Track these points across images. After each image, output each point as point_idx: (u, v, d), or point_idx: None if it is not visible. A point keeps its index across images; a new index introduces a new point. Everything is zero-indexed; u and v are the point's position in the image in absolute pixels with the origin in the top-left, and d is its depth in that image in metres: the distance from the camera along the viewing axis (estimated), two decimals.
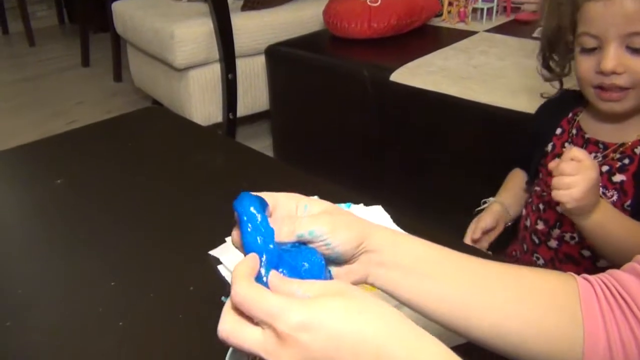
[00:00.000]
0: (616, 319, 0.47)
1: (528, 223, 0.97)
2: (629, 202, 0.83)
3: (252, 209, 0.42)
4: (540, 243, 0.94)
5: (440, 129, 1.56)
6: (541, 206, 0.93)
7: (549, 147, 0.94)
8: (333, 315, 0.36)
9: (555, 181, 0.74)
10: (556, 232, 0.91)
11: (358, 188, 0.88)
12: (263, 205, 0.44)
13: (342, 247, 0.45)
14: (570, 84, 0.97)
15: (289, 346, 0.36)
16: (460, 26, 2.02)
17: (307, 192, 0.50)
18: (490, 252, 0.98)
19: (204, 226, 0.80)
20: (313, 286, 0.39)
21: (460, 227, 1.01)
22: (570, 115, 0.93)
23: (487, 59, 1.66)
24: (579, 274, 0.52)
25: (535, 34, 0.95)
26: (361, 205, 0.80)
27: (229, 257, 0.71)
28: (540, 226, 0.93)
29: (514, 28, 1.95)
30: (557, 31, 0.88)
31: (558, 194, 0.74)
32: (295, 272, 0.41)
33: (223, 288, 0.67)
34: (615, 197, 0.83)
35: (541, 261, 0.95)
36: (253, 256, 0.41)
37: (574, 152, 0.73)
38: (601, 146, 0.87)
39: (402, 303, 0.49)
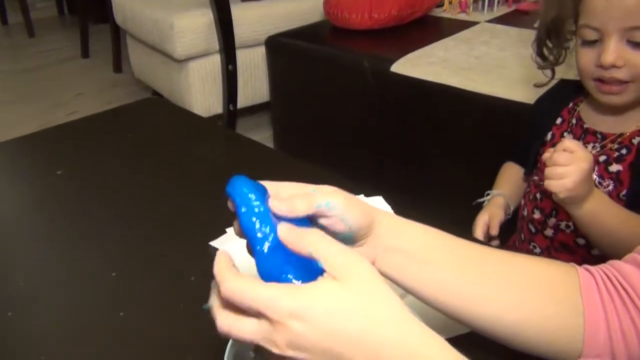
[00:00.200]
0: (617, 309, 0.47)
1: (525, 213, 0.97)
2: (624, 192, 0.83)
3: (244, 189, 0.42)
4: (536, 232, 0.95)
5: (441, 120, 1.56)
6: (538, 195, 0.93)
7: (548, 136, 0.94)
8: (326, 305, 0.36)
9: (548, 171, 0.75)
10: (552, 221, 0.91)
11: (358, 179, 0.88)
12: (261, 190, 0.44)
13: (357, 223, 0.45)
14: (562, 73, 0.97)
15: (283, 332, 0.36)
16: (462, 17, 2.01)
17: (308, 183, 0.50)
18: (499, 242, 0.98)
19: (204, 217, 0.80)
20: (323, 240, 0.39)
21: (461, 218, 1.01)
22: (570, 105, 0.94)
23: (489, 50, 1.66)
24: (574, 262, 0.52)
25: (536, 25, 0.95)
26: (362, 196, 0.80)
27: (229, 247, 0.71)
28: (537, 215, 0.94)
29: (516, 18, 1.94)
30: (556, 20, 0.88)
31: (551, 184, 0.74)
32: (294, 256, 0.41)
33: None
34: (611, 187, 0.84)
35: (537, 250, 0.96)
36: (223, 251, 0.41)
37: (567, 143, 0.74)
38: (599, 136, 0.87)
39: (405, 290, 0.49)
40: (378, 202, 0.79)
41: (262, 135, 2.20)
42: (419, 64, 1.60)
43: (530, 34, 1.01)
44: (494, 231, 0.97)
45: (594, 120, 0.89)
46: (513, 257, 0.52)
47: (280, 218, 0.43)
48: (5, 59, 3.48)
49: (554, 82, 1.01)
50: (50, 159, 0.99)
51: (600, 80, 0.82)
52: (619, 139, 0.85)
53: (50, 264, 0.73)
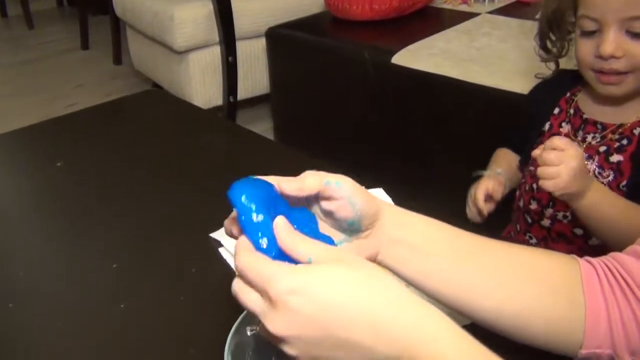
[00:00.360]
0: (618, 300, 0.47)
1: (521, 204, 0.97)
2: (624, 183, 0.83)
3: (243, 198, 0.41)
4: (533, 223, 0.95)
5: (442, 111, 1.56)
6: (534, 186, 0.93)
7: (546, 126, 0.94)
8: (327, 283, 0.37)
9: (540, 171, 0.75)
10: (549, 211, 0.91)
11: (358, 171, 0.88)
12: (263, 187, 0.43)
13: (364, 208, 0.46)
14: (563, 64, 0.97)
15: (280, 310, 0.37)
16: (463, 8, 2.00)
17: None
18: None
19: (204, 209, 0.80)
20: (317, 247, 0.40)
21: (461, 210, 1.01)
22: (568, 95, 0.93)
23: (490, 41, 1.65)
24: (571, 252, 0.52)
25: (537, 16, 0.95)
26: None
27: (230, 239, 0.71)
28: (534, 206, 0.94)
29: (517, 10, 1.93)
30: (557, 12, 0.88)
31: (544, 184, 0.75)
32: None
33: (224, 270, 0.67)
34: (611, 177, 0.84)
35: (534, 240, 0.96)
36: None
37: (556, 142, 0.74)
38: (599, 127, 0.87)
39: (408, 282, 0.49)
40: (379, 194, 0.79)
41: (262, 127, 2.19)
42: (419, 56, 1.59)
43: (531, 25, 1.01)
44: (498, 197, 0.94)
45: (592, 110, 0.89)
46: (515, 249, 0.52)
47: (284, 211, 0.43)
48: (5, 51, 3.46)
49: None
50: (49, 151, 0.99)
51: (600, 71, 0.81)
52: (620, 130, 0.85)
53: (51, 256, 0.73)
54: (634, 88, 0.81)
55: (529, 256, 0.51)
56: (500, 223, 1.06)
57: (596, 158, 0.85)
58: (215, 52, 2.07)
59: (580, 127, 0.89)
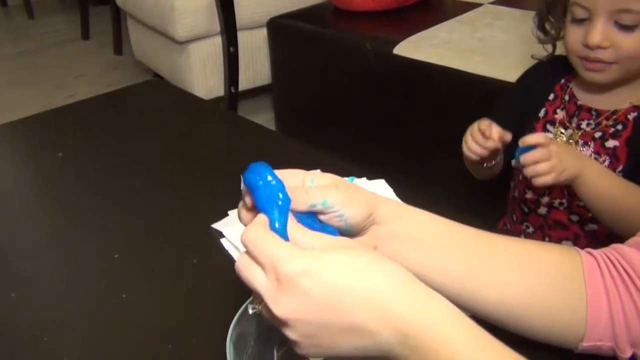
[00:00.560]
0: (619, 292, 0.47)
1: (516, 194, 0.98)
2: (620, 168, 0.84)
3: (268, 176, 0.41)
4: (529, 212, 0.95)
5: (444, 102, 1.55)
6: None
7: (542, 112, 0.94)
8: (338, 267, 0.37)
9: (530, 171, 0.76)
10: (545, 199, 0.92)
11: (360, 162, 0.88)
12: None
13: (354, 218, 0.45)
14: (560, 49, 0.97)
15: (288, 291, 0.37)
16: None
17: (309, 166, 0.50)
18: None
19: (206, 199, 0.80)
20: (325, 238, 0.40)
21: (462, 201, 1.01)
22: (562, 81, 0.94)
23: (492, 32, 1.64)
24: (567, 238, 0.52)
25: None
26: (364, 179, 0.80)
27: (231, 230, 0.71)
28: (529, 195, 0.94)
29: (520, 0, 1.92)
30: None
31: (538, 181, 0.76)
32: None
33: (226, 261, 0.67)
34: (607, 163, 0.85)
35: (531, 229, 0.96)
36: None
37: (537, 139, 0.75)
38: (594, 113, 0.88)
39: None
40: (380, 185, 0.79)
41: (264, 117, 2.19)
42: (422, 46, 1.59)
43: (534, 16, 1.00)
44: (509, 138, 0.89)
45: (586, 96, 0.90)
46: (515, 241, 0.52)
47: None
48: (5, 41, 3.45)
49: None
50: (50, 141, 0.99)
51: (585, 58, 0.82)
52: (614, 116, 0.86)
53: (53, 246, 0.73)
54: (617, 77, 0.82)
55: (530, 249, 0.51)
56: (495, 215, 1.06)
57: (592, 144, 0.86)
58: (217, 42, 2.06)
59: (575, 113, 0.90)
